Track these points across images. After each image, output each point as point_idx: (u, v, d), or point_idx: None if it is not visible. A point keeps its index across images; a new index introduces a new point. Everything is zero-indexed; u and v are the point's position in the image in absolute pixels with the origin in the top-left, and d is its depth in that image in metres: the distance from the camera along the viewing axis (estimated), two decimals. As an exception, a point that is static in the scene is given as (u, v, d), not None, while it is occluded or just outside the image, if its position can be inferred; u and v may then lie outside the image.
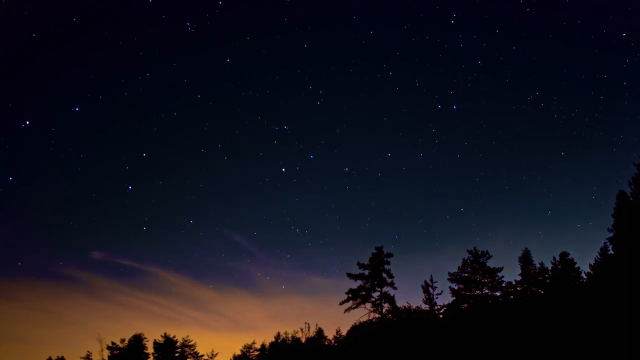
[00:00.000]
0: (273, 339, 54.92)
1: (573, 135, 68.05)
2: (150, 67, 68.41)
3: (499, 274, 36.16)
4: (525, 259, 35.32)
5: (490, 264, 36.53)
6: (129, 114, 72.63)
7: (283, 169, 71.58)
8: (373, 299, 38.04)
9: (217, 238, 77.56)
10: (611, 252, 30.17)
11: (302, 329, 49.54)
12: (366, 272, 38.59)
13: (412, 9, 66.57)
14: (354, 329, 38.45)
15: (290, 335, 52.66)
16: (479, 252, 37.02)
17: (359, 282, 38.36)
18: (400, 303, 38.16)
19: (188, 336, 60.15)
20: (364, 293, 38.17)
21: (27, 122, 57.46)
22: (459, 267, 37.40)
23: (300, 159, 73.83)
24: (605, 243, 30.90)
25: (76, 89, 71.47)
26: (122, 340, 58.35)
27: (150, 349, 58.99)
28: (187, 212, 78.69)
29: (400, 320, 36.47)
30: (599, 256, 31.28)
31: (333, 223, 75.19)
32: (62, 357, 63.46)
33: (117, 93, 68.93)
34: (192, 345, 59.73)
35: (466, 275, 36.84)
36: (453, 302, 36.54)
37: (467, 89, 67.52)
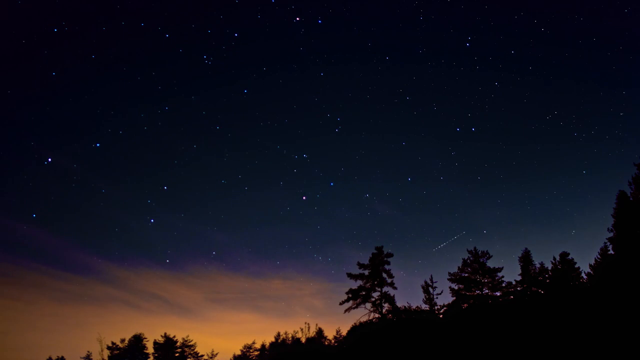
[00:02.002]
0: (273, 339, 55.00)
1: (594, 152, 67.30)
2: (169, 101, 68.64)
3: (499, 274, 36.23)
4: (525, 259, 35.34)
5: (490, 264, 36.60)
6: (149, 147, 72.75)
7: (304, 197, 71.43)
8: (373, 299, 38.04)
9: (240, 264, 77.15)
10: (611, 252, 30.19)
11: (302, 329, 49.61)
12: (366, 272, 38.58)
13: (427, 34, 66.56)
14: (354, 329, 38.44)
15: (290, 336, 52.76)
16: (479, 252, 37.05)
17: (359, 282, 38.37)
18: (400, 303, 38.21)
19: (188, 336, 60.27)
20: (364, 293, 38.15)
21: (50, 159, 58.73)
22: (459, 267, 37.47)
23: (320, 186, 73.42)
24: (605, 243, 30.96)
25: (96, 127, 71.96)
26: (122, 340, 58.45)
27: (150, 349, 59.06)
28: (210, 242, 78.74)
29: (400, 320, 36.44)
30: (599, 256, 31.31)
31: (356, 249, 74.89)
32: (62, 357, 63.57)
33: (136, 127, 69.11)
34: (192, 345, 59.76)
35: (466, 275, 36.86)
36: (453, 302, 36.54)
37: (485, 110, 67.21)
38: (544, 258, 39.17)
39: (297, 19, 56.51)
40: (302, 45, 63.85)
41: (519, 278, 35.37)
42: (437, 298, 37.80)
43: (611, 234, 29.77)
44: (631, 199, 29.16)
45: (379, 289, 38.11)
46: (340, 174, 73.64)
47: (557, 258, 34.27)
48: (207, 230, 75.14)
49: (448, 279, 37.33)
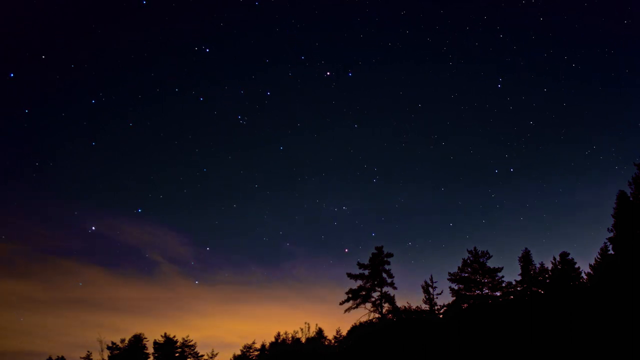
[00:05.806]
0: (273, 339, 55.00)
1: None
2: (207, 163, 69.23)
3: (499, 274, 36.19)
4: (525, 259, 35.32)
5: (490, 264, 36.57)
6: (189, 210, 73.08)
7: (346, 250, 70.78)
8: (373, 299, 38.05)
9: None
10: (611, 252, 30.20)
11: (302, 329, 49.59)
12: (366, 272, 38.60)
13: (458, 79, 66.52)
14: (354, 329, 38.48)
15: (290, 336, 52.72)
16: (479, 252, 37.03)
17: (359, 282, 38.39)
18: (400, 303, 38.21)
19: (188, 336, 60.21)
20: (364, 293, 38.16)
21: (93, 228, 60.88)
22: (459, 267, 37.41)
23: (362, 238, 73.30)
24: (605, 243, 30.96)
25: (138, 191, 72.93)
26: (122, 340, 58.43)
27: (150, 349, 59.06)
28: (253, 301, 78.34)
29: (400, 320, 36.48)
30: (599, 256, 31.30)
31: (404, 297, 73.35)
32: (62, 357, 63.53)
33: (176, 190, 69.69)
34: (192, 346, 59.72)
35: (466, 275, 36.83)
36: (453, 302, 36.52)
37: (522, 150, 66.82)
38: (544, 258, 39.09)
39: (328, 73, 57.38)
40: (334, 98, 64.55)
41: (519, 278, 35.37)
42: (437, 298, 37.83)
43: (611, 234, 29.79)
44: (631, 199, 29.17)
45: (379, 289, 38.13)
46: (381, 224, 73.34)
47: (557, 258, 34.28)
48: (251, 286, 75.47)
49: (448, 279, 37.32)
